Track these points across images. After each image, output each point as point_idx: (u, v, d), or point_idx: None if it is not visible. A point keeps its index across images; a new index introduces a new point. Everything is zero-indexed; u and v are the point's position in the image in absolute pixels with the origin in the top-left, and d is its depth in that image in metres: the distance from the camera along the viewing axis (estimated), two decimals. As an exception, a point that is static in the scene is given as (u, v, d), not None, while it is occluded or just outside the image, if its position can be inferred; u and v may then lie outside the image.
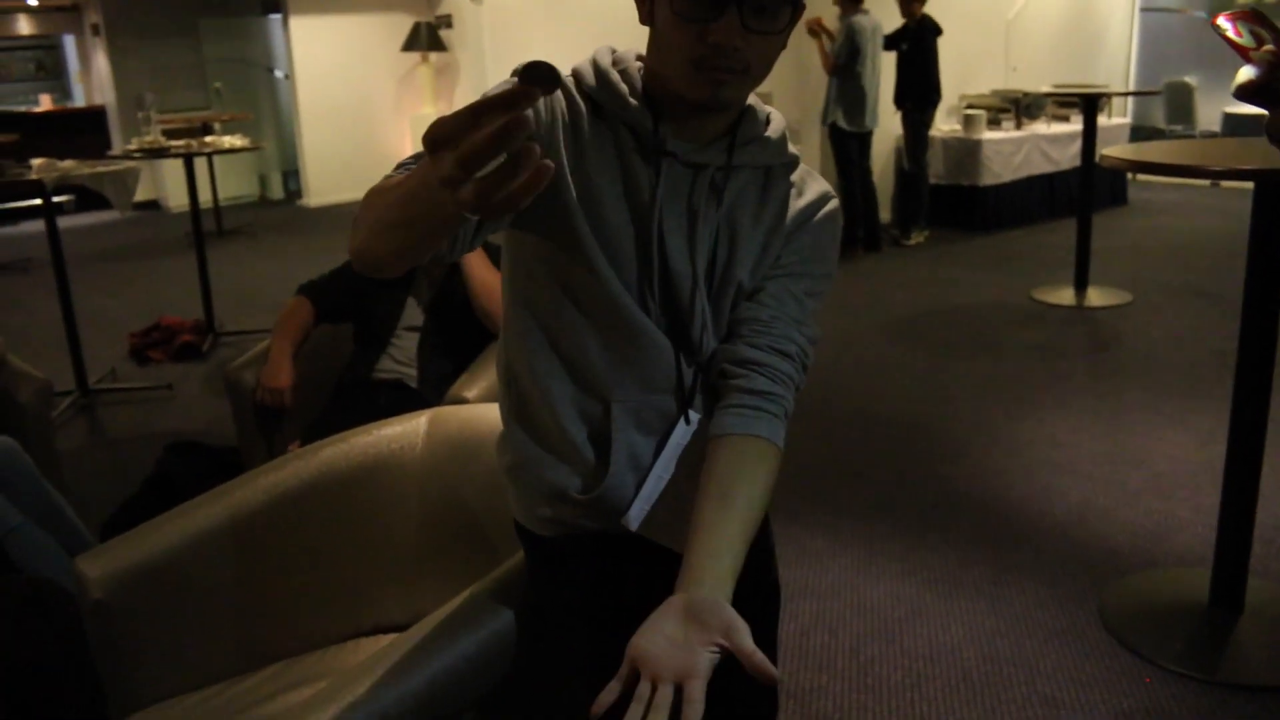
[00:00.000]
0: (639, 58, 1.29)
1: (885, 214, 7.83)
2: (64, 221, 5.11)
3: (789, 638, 2.71)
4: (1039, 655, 2.59)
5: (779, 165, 1.33)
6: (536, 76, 0.82)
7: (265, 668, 1.95)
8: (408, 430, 2.06)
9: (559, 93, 1.25)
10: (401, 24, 10.71)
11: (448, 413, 2.10)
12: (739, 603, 1.11)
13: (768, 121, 1.33)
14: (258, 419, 2.95)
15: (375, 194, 1.03)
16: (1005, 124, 8.11)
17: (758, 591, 1.53)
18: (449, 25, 10.70)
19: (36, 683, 2.06)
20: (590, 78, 1.27)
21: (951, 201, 7.91)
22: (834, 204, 1.36)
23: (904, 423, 4.18)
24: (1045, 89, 7.93)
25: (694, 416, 1.34)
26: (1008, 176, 7.89)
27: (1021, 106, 8.13)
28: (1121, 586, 2.89)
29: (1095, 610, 2.77)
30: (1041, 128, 8.19)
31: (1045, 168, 8.19)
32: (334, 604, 2.01)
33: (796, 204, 1.33)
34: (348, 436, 2.05)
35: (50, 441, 2.96)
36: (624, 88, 1.25)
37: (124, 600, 1.81)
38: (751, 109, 1.30)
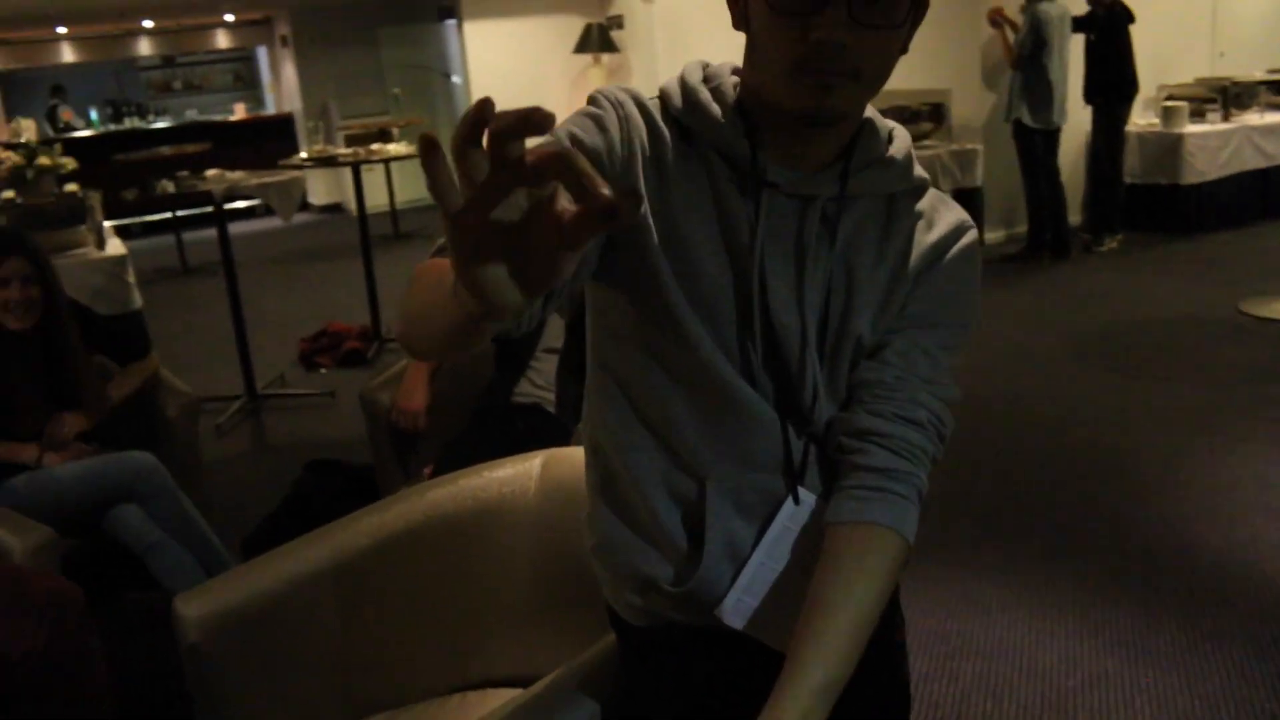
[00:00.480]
0: (735, 71, 1.10)
1: (1075, 217, 7.28)
2: (249, 226, 5.28)
3: (947, 701, 2.44)
4: (1242, 744, 2.24)
5: (904, 192, 1.12)
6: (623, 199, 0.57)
7: (370, 717, 1.85)
8: (520, 473, 1.92)
9: (638, 119, 1.06)
10: (573, 26, 10.74)
11: (563, 454, 1.94)
12: (859, 707, 1.01)
13: (890, 139, 1.12)
14: (393, 440, 2.89)
15: (419, 271, 0.89)
16: (1211, 116, 7.41)
17: (881, 693, 1.31)
18: (620, 26, 10.66)
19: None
20: (677, 98, 1.08)
21: (1149, 202, 7.28)
22: (971, 235, 1.14)
23: (1089, 454, 3.79)
24: (1258, 75, 7.20)
25: (805, 496, 1.13)
26: (1213, 174, 7.20)
27: (1230, 95, 7.42)
28: (1347, 664, 2.48)
29: (1313, 693, 2.38)
30: (1253, 118, 7.45)
31: (1258, 163, 7.44)
32: (438, 655, 1.89)
33: (926, 239, 1.11)
34: (457, 478, 1.93)
35: (195, 458, 2.99)
36: (715, 108, 1.06)
37: (220, 644, 1.73)
38: (870, 124, 1.10)
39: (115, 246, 5.13)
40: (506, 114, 0.56)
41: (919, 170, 1.13)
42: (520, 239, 0.60)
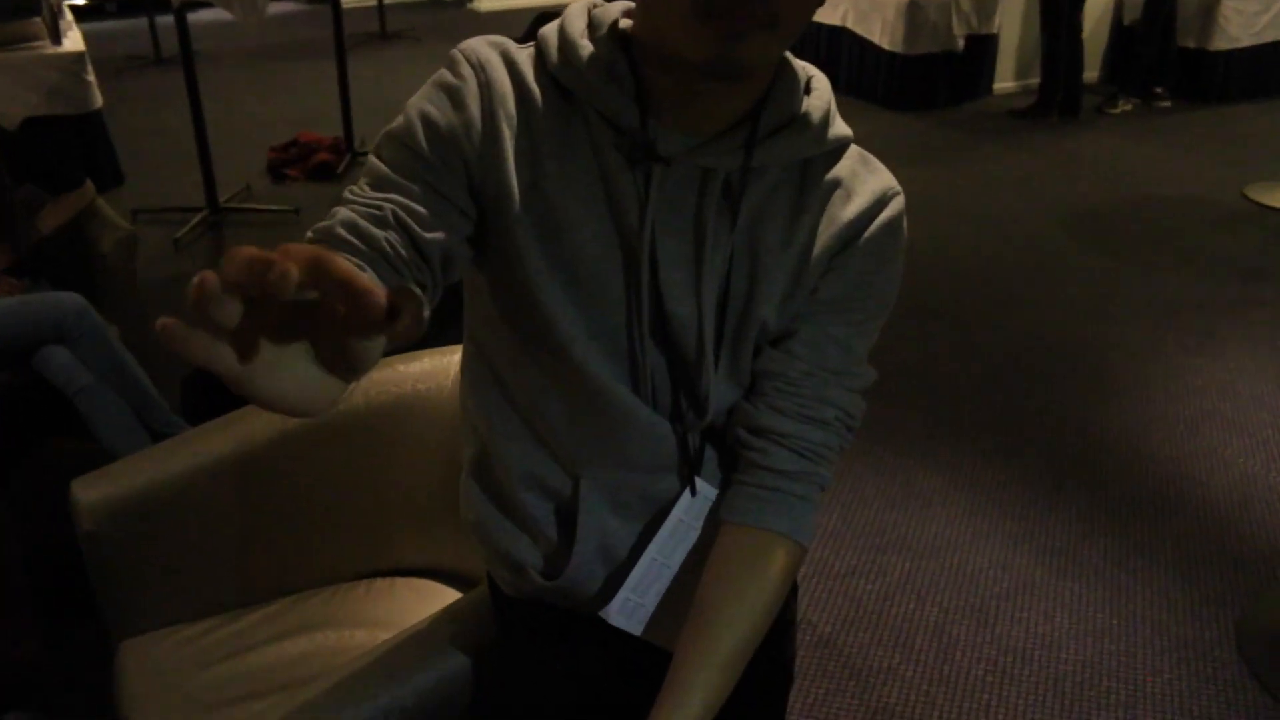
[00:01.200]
0: (628, 13, 0.94)
1: (1092, 74, 6.95)
2: (222, 14, 4.98)
3: (870, 598, 2.46)
4: (1150, 670, 2.26)
5: (820, 156, 0.98)
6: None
7: (272, 602, 1.84)
8: (437, 368, 1.84)
9: (504, 83, 0.92)
10: None
11: (483, 353, 1.86)
12: (737, 690, 0.97)
13: (807, 90, 0.97)
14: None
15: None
16: (1253, -25, 6.96)
17: (760, 672, 1.27)
18: None
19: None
20: (553, 53, 0.93)
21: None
22: (896, 205, 1.00)
23: (1059, 344, 3.71)
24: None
25: (703, 488, 1.06)
26: (1246, 40, 6.82)
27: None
28: (1274, 601, 2.48)
29: (1232, 625, 2.39)
30: (1299, -19, 7.01)
31: (1295, 31, 7.04)
32: (347, 543, 1.87)
33: (842, 213, 0.97)
34: (372, 370, 1.85)
35: (132, 296, 2.89)
36: (597, 68, 0.90)
37: (117, 531, 1.70)
38: (786, 73, 0.95)
39: (74, 41, 4.87)
40: (240, 265, 0.47)
41: (838, 127, 0.98)
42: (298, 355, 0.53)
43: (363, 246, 0.82)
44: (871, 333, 1.02)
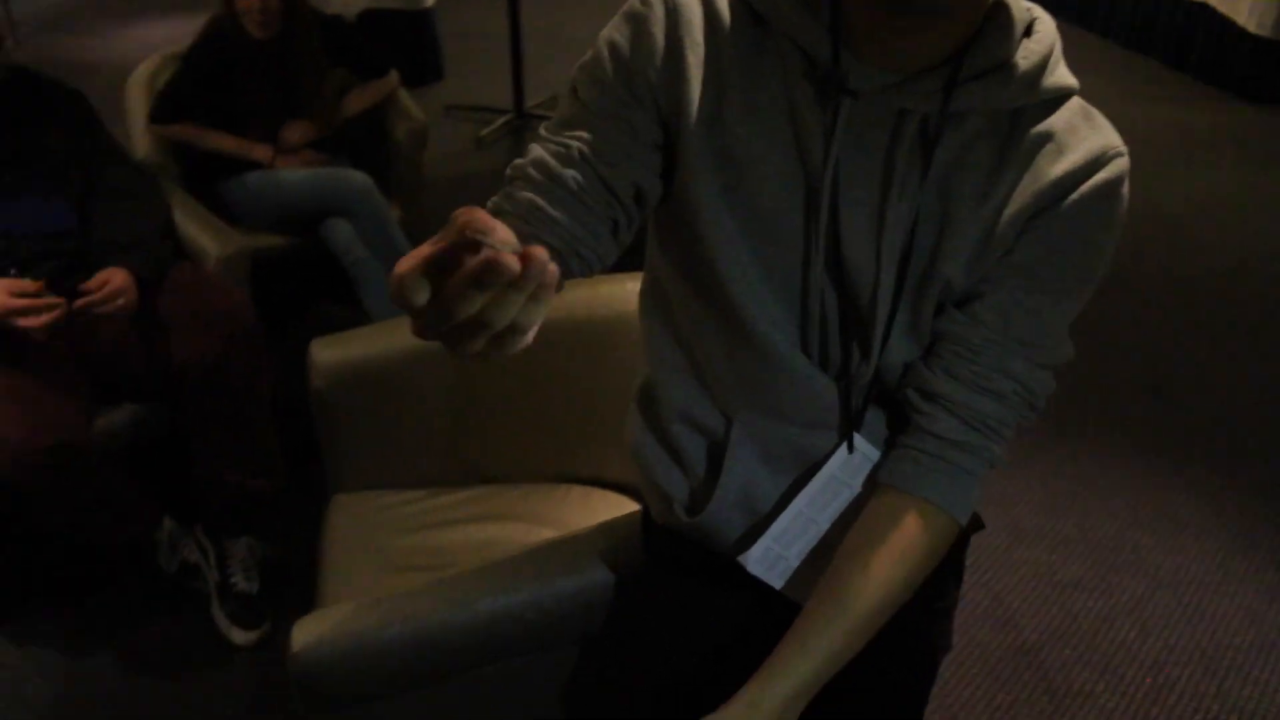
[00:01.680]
0: None
1: None
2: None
3: (1088, 616, 2.27)
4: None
5: (1033, 106, 0.88)
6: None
7: (473, 487, 1.93)
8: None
9: (693, 9, 0.89)
10: None
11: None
12: (869, 669, 0.97)
13: (1028, 33, 0.88)
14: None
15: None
16: None
17: (897, 657, 1.21)
18: None
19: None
20: None
21: None
22: (1116, 167, 0.89)
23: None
24: None
25: (862, 446, 1.01)
26: None
27: None
28: None
29: None
30: None
31: None
32: (550, 445, 1.93)
33: (1051, 170, 0.88)
34: (598, 283, 1.87)
35: (416, 185, 3.07)
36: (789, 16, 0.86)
37: (343, 391, 1.83)
38: (1003, 14, 0.86)
39: (415, -58, 5.19)
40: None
41: (1058, 76, 0.88)
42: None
43: (550, 185, 0.85)
44: (1070, 306, 0.93)
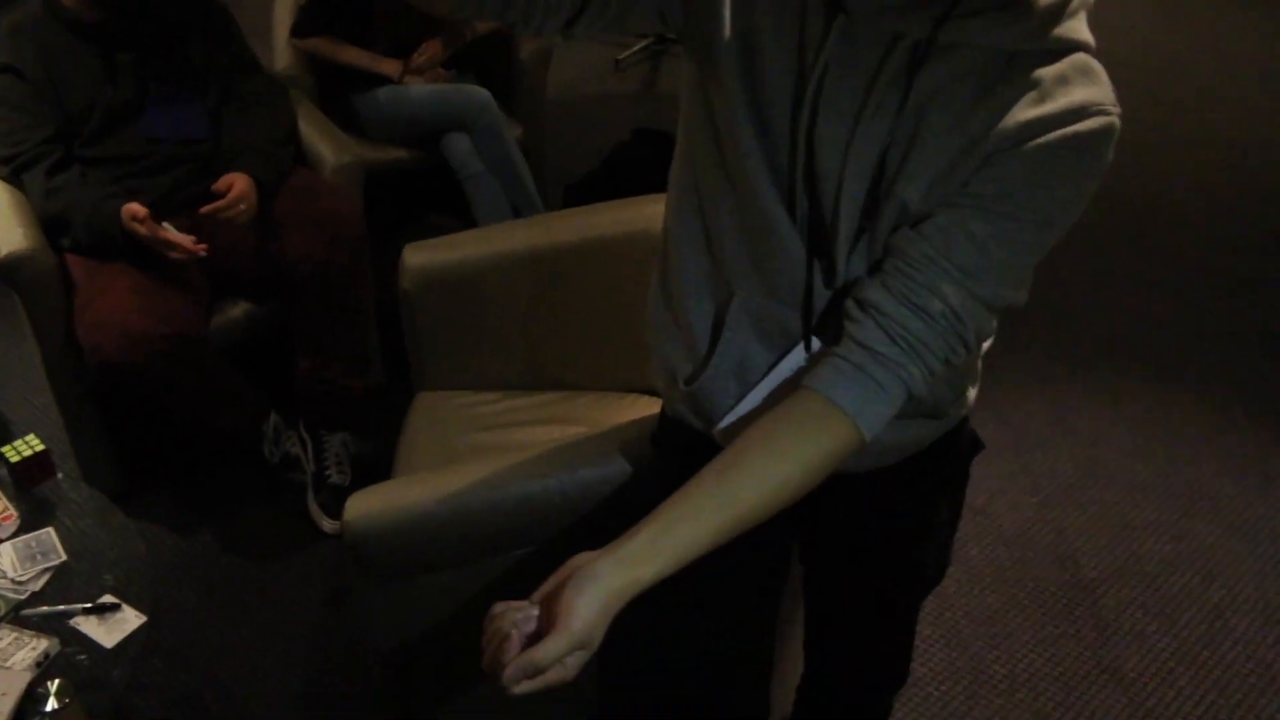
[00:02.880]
0: None
1: None
2: None
3: (1152, 560, 2.27)
4: None
5: (1032, 53, 0.90)
6: None
7: (546, 392, 2.07)
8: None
9: None
10: None
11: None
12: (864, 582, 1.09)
13: None
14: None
15: None
16: None
17: (887, 567, 1.29)
18: None
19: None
20: None
21: None
22: (1096, 122, 0.90)
23: None
24: None
25: (818, 347, 1.07)
26: None
27: None
28: None
29: None
30: None
31: None
32: (622, 356, 2.03)
33: (1026, 113, 0.90)
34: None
35: (539, 105, 3.18)
36: None
37: (429, 294, 1.98)
38: None
39: None
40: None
41: (1068, 28, 0.90)
42: None
43: None
44: (1017, 248, 0.94)
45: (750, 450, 0.96)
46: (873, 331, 0.96)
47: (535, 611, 0.89)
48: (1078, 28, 0.91)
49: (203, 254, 2.04)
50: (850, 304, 0.99)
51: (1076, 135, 0.90)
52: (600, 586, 0.87)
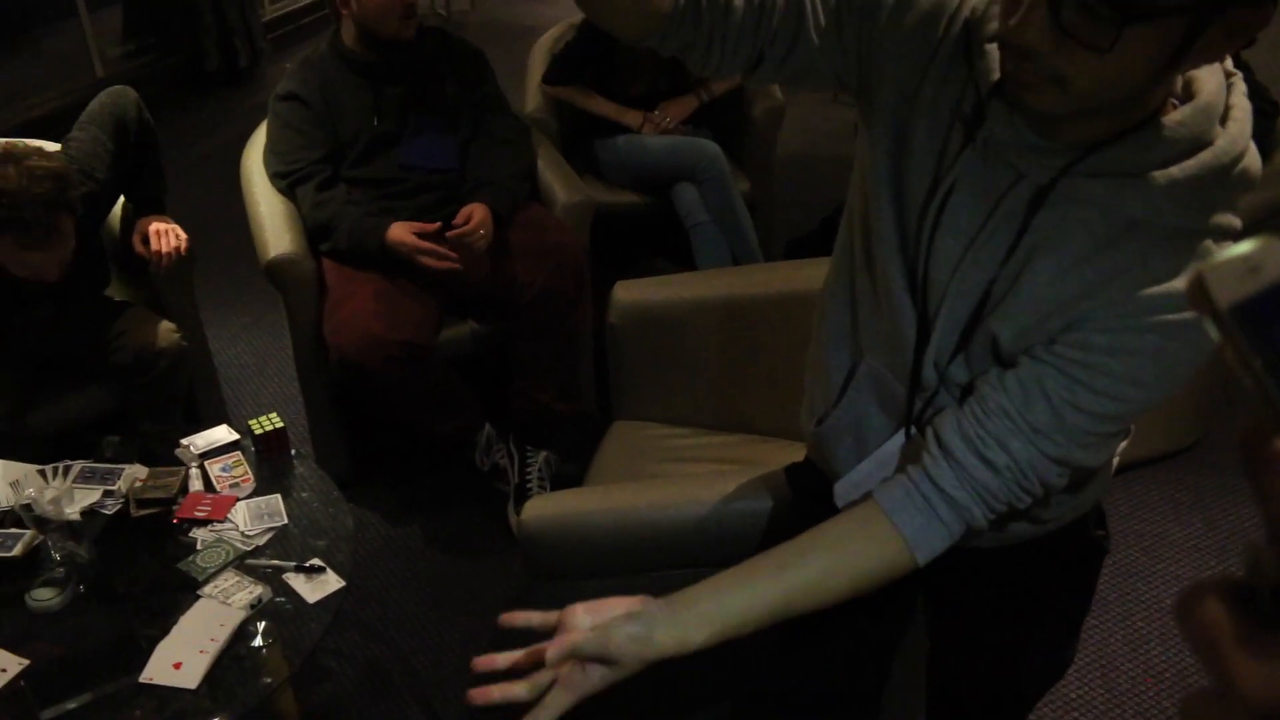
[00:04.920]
0: None
1: None
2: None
3: None
4: None
5: (1164, 226, 0.89)
6: None
7: (734, 433, 2.16)
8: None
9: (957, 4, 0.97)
10: None
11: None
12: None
13: (1189, 152, 0.88)
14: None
15: None
16: None
17: (1005, 654, 1.31)
18: None
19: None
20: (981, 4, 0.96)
21: None
22: (1189, 315, 0.87)
23: None
24: None
25: (915, 437, 1.12)
26: None
27: None
28: None
29: None
30: None
31: None
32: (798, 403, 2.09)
33: (1126, 289, 0.90)
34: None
35: (769, 158, 3.28)
36: (992, 27, 0.92)
37: (633, 329, 2.12)
38: (1150, 129, 0.87)
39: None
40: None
41: (1207, 212, 0.88)
42: None
43: None
44: (1094, 415, 0.94)
45: (810, 556, 1.01)
46: (945, 473, 0.99)
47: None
48: (1219, 213, 0.89)
49: (456, 269, 2.28)
50: (930, 436, 1.03)
51: (1169, 324, 0.89)
52: (646, 632, 0.93)
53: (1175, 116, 0.88)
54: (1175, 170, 0.87)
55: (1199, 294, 0.36)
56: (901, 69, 0.99)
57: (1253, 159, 0.90)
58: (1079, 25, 0.78)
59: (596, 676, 0.93)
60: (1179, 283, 0.89)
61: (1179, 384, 0.93)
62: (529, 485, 2.51)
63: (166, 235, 2.29)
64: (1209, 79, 0.91)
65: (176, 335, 2.26)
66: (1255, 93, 2.30)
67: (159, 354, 2.22)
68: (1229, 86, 0.92)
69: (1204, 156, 0.88)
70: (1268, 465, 0.35)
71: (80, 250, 2.06)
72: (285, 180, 2.44)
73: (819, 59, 1.01)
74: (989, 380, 0.99)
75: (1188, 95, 0.90)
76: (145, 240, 2.29)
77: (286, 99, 2.44)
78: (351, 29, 2.44)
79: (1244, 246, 0.36)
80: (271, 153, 2.49)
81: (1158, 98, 0.88)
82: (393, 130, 2.44)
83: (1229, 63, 0.94)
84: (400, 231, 2.31)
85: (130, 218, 2.38)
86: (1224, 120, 0.90)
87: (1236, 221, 0.91)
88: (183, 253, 2.30)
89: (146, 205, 2.36)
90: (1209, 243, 0.90)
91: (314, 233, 2.39)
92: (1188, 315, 0.88)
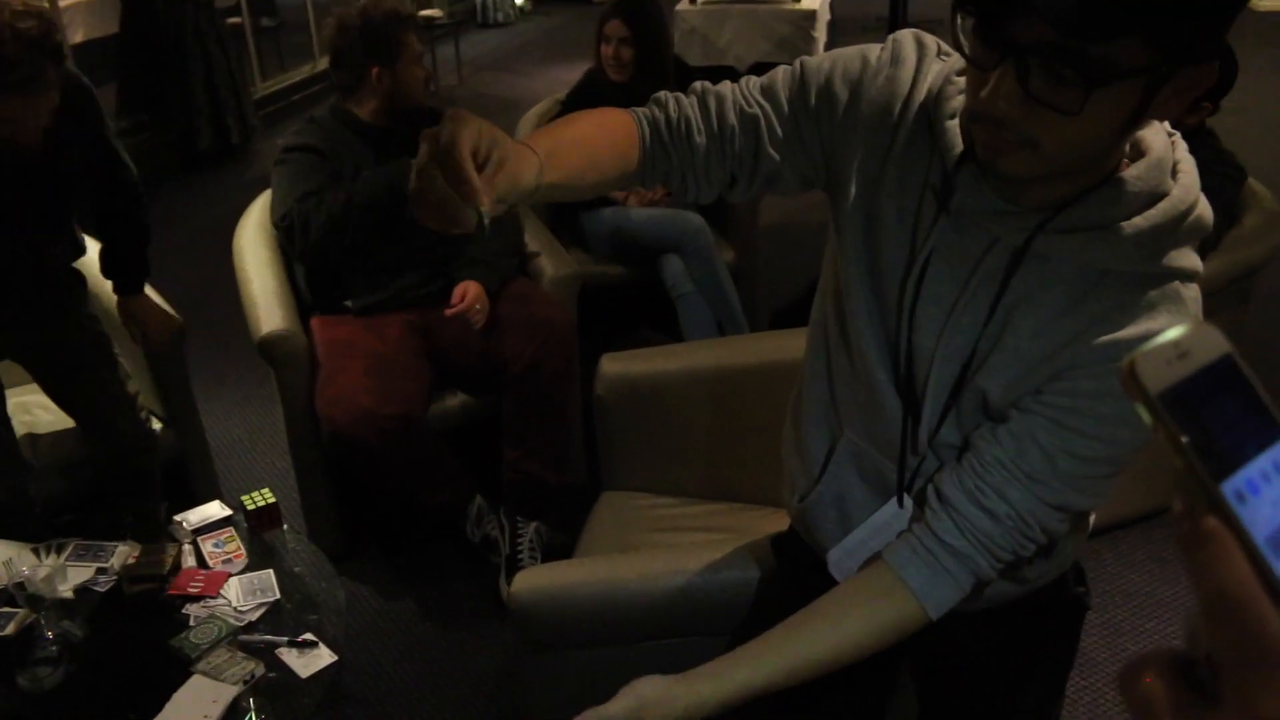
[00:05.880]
0: None
1: None
2: None
3: None
4: None
5: (1128, 274, 0.95)
6: None
7: (722, 502, 2.19)
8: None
9: (906, 77, 1.03)
10: None
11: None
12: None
13: (1146, 205, 0.94)
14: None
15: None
16: None
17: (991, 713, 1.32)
18: None
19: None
20: (938, 81, 1.02)
21: None
22: None
23: None
24: None
25: (910, 505, 1.15)
26: None
27: None
28: None
29: None
30: None
31: None
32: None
33: (1105, 334, 0.95)
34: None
35: (752, 231, 3.33)
36: (950, 108, 0.99)
37: (620, 400, 2.15)
38: (1111, 185, 0.94)
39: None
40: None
41: (1173, 257, 0.94)
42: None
43: (712, 121, 1.06)
44: (1087, 460, 0.98)
45: (821, 614, 1.06)
46: (946, 524, 1.03)
47: None
48: (1180, 255, 0.95)
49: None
50: (931, 492, 1.07)
51: None
52: (670, 690, 0.99)
53: (1132, 172, 0.94)
54: (1139, 220, 0.93)
55: (1130, 381, 0.39)
56: (863, 156, 1.05)
57: (1204, 208, 0.97)
58: (1047, 91, 0.83)
59: None
60: (1155, 324, 0.94)
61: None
62: (520, 556, 2.51)
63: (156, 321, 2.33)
64: (1154, 138, 0.97)
65: (148, 425, 2.30)
66: (1220, 159, 2.39)
67: (130, 446, 2.27)
68: (1173, 144, 0.98)
69: (1163, 205, 0.94)
70: (1198, 542, 0.38)
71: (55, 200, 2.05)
72: (299, 204, 2.38)
73: (783, 168, 1.08)
74: (982, 435, 1.03)
75: (1137, 154, 0.97)
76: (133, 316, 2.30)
77: (297, 149, 2.47)
78: (372, 102, 2.49)
79: (1173, 333, 0.39)
80: (283, 190, 2.44)
81: (1115, 157, 0.95)
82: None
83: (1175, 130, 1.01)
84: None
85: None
86: (1174, 174, 0.96)
87: (1198, 262, 0.97)
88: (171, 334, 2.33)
89: (127, 285, 2.32)
90: (1177, 284, 0.95)
91: (333, 229, 2.36)
92: None
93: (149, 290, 2.36)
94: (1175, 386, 0.39)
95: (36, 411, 2.45)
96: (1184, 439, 0.39)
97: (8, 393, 2.21)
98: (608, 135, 1.05)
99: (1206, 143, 2.38)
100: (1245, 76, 2.29)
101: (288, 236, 2.43)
